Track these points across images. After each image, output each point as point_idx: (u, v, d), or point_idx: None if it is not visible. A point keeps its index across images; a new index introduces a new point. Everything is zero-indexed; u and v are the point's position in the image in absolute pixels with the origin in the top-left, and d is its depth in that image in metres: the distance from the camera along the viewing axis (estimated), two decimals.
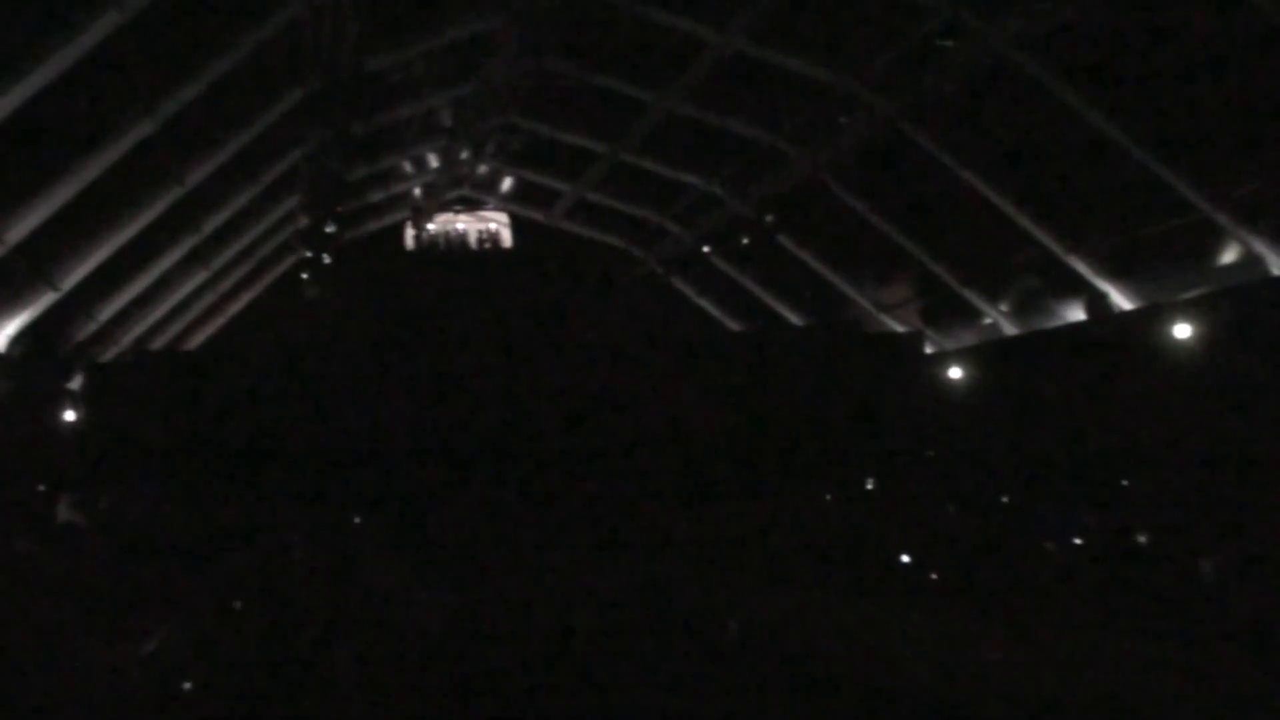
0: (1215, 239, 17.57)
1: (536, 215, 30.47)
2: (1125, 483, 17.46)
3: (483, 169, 29.00)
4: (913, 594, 13.69)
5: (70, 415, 22.71)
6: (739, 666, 9.79)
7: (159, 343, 26.03)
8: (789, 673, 9.54)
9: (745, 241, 25.25)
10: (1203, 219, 17.18)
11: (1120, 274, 19.66)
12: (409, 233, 30.95)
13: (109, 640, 11.56)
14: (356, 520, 19.82)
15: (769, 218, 24.18)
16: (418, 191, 29.45)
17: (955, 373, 23.98)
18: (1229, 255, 17.57)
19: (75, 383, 22.96)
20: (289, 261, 27.86)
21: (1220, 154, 16.44)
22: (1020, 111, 18.12)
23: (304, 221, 24.69)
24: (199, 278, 24.46)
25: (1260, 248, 16.72)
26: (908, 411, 23.87)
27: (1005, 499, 18.41)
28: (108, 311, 21.99)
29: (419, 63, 20.40)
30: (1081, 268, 19.98)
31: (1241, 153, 16.25)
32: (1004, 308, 22.93)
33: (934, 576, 14.48)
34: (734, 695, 9.02)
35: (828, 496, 20.64)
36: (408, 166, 27.39)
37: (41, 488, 19.49)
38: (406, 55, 19.72)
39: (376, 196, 27.45)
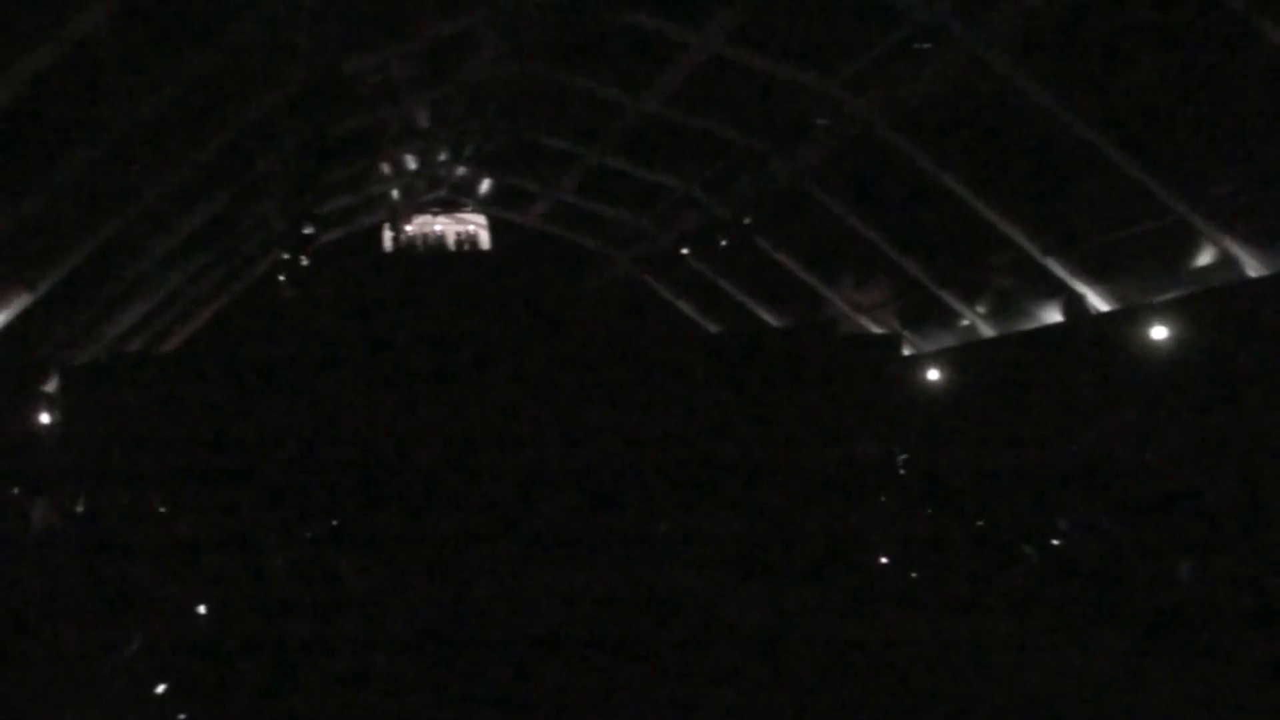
0: (1192, 241, 17.70)
1: (515, 217, 30.45)
2: (1104, 484, 17.51)
3: (461, 171, 28.93)
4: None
5: (45, 418, 22.53)
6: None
7: (135, 345, 25.87)
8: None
9: (724, 243, 25.27)
10: (1179, 221, 17.30)
11: (1097, 276, 19.78)
12: (387, 234, 30.91)
13: (86, 644, 11.48)
14: (334, 524, 19.72)
15: (747, 220, 24.21)
16: (396, 193, 29.39)
17: (933, 374, 24.07)
18: (1205, 257, 17.69)
19: (51, 385, 22.78)
20: (266, 263, 27.72)
21: (1197, 156, 16.55)
22: (998, 114, 18.19)
23: (281, 223, 24.55)
24: (176, 279, 24.31)
25: (1236, 250, 16.85)
26: (886, 412, 23.92)
27: (984, 500, 18.43)
28: (84, 313, 21.83)
29: (397, 64, 20.33)
30: (1058, 270, 20.09)
31: (1218, 155, 16.36)
32: (981, 309, 23.04)
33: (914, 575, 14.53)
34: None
35: (806, 499, 20.62)
36: (386, 168, 27.30)
37: (16, 491, 19.31)
38: (385, 57, 19.66)
39: (354, 198, 27.35)
